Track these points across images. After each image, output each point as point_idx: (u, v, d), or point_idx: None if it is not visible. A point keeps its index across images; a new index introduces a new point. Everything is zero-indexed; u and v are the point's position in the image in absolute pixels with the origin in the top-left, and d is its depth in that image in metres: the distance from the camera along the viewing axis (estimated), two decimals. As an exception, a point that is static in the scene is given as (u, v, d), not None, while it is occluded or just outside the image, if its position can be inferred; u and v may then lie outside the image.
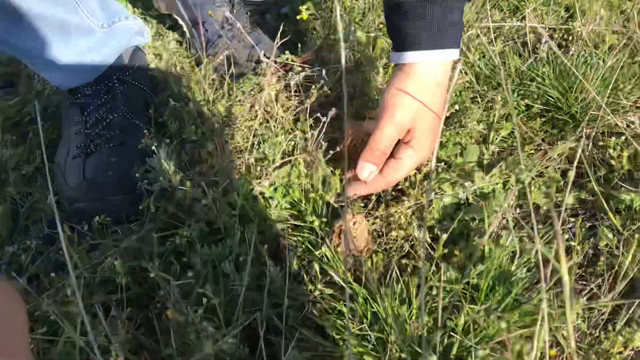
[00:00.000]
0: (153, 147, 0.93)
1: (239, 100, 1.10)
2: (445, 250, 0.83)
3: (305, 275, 0.84)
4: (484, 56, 1.17)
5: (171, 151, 0.98)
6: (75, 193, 0.94)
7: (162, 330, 0.76)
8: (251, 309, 0.80)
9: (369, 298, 0.77)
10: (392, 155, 0.87)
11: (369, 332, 0.73)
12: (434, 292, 0.78)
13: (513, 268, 0.78)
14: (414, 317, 0.76)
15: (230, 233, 0.89)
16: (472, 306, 0.74)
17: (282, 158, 0.99)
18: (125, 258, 0.88)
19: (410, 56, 0.84)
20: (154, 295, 0.84)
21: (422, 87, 0.84)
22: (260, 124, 1.06)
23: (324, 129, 0.96)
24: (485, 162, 0.98)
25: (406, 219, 0.89)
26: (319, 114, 0.97)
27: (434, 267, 0.82)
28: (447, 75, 0.85)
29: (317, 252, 0.85)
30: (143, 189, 0.93)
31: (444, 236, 0.83)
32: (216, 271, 0.85)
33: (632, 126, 1.01)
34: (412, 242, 0.88)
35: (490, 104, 1.06)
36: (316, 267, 0.83)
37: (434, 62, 0.83)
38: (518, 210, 0.93)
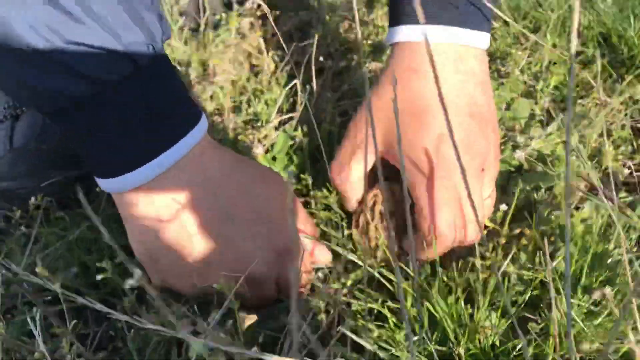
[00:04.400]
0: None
1: (218, 52, 0.87)
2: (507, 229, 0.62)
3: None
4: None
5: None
6: (-1, 168, 0.69)
7: (140, 351, 0.52)
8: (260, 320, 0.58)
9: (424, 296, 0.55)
10: None
11: (429, 345, 0.52)
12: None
13: (610, 247, 0.58)
14: (482, 319, 0.55)
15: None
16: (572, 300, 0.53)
17: (280, 117, 0.76)
18: (74, 253, 0.64)
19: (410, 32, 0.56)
20: (116, 303, 0.61)
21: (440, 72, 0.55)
22: (248, 79, 0.83)
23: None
24: (536, 119, 0.78)
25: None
26: (322, 59, 0.75)
27: (497, 252, 0.61)
28: (480, 66, 0.58)
29: (338, 236, 0.63)
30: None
31: (503, 207, 0.63)
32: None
33: None
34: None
35: (532, 50, 0.86)
36: (342, 253, 0.61)
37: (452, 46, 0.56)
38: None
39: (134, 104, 0.45)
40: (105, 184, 0.49)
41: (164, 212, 0.48)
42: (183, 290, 0.53)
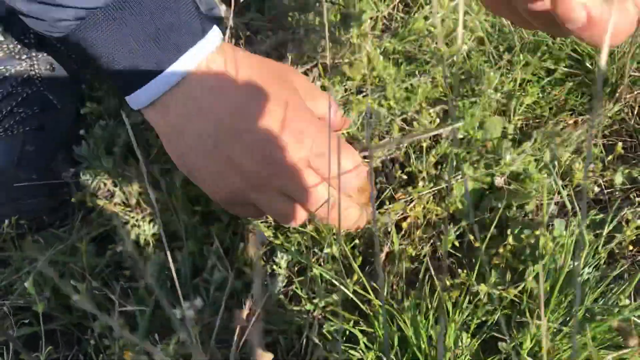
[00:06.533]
0: (82, 132, 0.70)
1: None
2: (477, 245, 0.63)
3: (298, 289, 0.62)
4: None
5: (108, 135, 0.75)
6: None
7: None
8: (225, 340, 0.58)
9: (394, 316, 0.56)
10: None
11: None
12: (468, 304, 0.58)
13: (581, 266, 0.58)
14: (451, 340, 0.56)
15: (192, 235, 0.66)
16: (537, 321, 0.54)
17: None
18: (48, 276, 0.64)
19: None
20: (89, 326, 0.61)
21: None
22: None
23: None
24: (509, 137, 0.79)
25: (424, 209, 0.69)
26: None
27: (464, 272, 0.62)
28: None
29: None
30: (71, 185, 0.70)
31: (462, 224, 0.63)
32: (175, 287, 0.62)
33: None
34: (432, 239, 0.68)
35: (506, 69, 0.87)
36: (316, 272, 0.61)
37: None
38: (557, 196, 0.74)
39: (129, 27, 0.49)
40: (129, 102, 0.53)
41: (179, 121, 0.52)
42: (211, 197, 0.57)
